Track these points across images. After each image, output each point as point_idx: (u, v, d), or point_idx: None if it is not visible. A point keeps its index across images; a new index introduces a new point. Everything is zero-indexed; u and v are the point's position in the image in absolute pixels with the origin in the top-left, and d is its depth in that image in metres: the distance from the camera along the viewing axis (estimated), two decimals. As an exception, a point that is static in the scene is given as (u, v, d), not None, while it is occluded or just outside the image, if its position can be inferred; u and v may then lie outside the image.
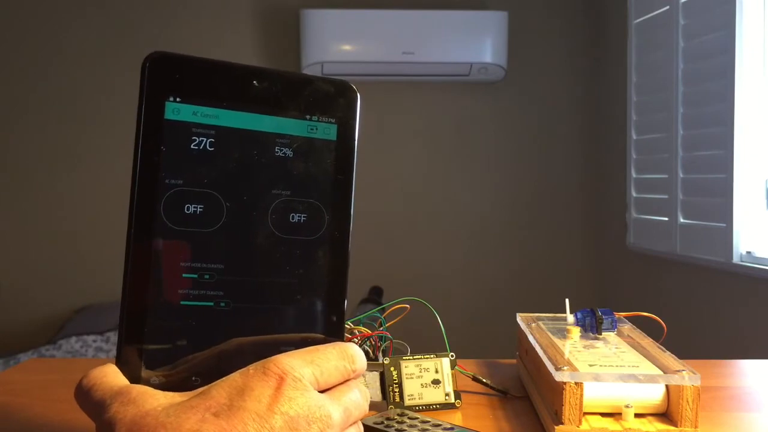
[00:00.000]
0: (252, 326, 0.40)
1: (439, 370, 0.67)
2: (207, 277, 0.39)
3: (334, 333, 0.42)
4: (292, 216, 0.41)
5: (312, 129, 0.42)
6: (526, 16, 2.54)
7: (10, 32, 2.51)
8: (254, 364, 0.37)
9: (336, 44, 2.39)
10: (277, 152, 0.41)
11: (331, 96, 0.42)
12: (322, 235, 0.42)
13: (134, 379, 0.37)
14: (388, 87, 2.56)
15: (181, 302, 0.39)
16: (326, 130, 0.42)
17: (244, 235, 0.40)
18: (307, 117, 0.41)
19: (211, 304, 0.39)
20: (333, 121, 0.42)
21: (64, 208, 2.52)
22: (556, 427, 0.57)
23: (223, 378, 0.37)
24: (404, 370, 0.67)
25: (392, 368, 0.66)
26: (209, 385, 0.36)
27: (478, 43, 2.41)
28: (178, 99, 0.39)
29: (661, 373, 0.58)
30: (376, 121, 2.56)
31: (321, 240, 0.42)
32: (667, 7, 1.99)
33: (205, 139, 0.39)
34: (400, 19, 2.39)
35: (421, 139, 2.58)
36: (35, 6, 2.50)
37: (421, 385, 0.66)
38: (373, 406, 0.67)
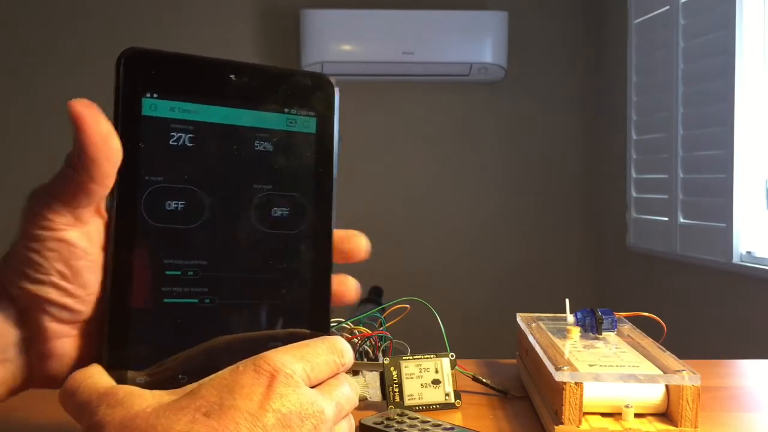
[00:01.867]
0: (237, 322, 0.40)
1: (439, 370, 0.67)
2: (191, 273, 0.39)
3: (321, 326, 0.42)
4: (275, 210, 0.41)
5: (291, 122, 0.41)
6: (526, 16, 2.54)
7: (11, 31, 2.51)
8: (244, 361, 0.36)
9: (336, 44, 2.39)
10: (257, 146, 0.40)
11: (309, 89, 0.42)
12: (305, 228, 0.41)
13: (120, 379, 0.37)
14: (388, 87, 2.56)
15: (165, 300, 0.38)
16: (305, 124, 0.42)
17: (227, 230, 0.40)
18: (286, 110, 0.41)
19: (196, 301, 0.39)
20: (312, 114, 0.42)
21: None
22: (556, 427, 0.57)
23: (213, 375, 0.36)
24: (404, 370, 0.67)
25: (392, 368, 0.66)
26: (199, 383, 0.36)
27: (478, 43, 2.40)
28: (155, 95, 0.38)
29: (661, 373, 0.58)
30: (376, 121, 2.56)
31: (304, 233, 0.41)
32: (667, 7, 1.98)
33: (183, 135, 0.39)
34: (400, 19, 2.38)
35: (421, 139, 2.58)
36: (33, 4, 2.50)
37: (421, 385, 0.66)
38: (373, 406, 0.67)
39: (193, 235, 0.39)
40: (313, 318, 0.42)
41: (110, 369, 0.37)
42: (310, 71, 0.43)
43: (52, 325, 0.37)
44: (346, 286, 0.43)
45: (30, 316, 0.37)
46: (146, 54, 0.38)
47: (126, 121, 0.38)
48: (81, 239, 0.36)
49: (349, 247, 0.42)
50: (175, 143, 0.39)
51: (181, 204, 0.39)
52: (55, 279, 0.36)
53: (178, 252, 0.39)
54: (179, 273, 0.39)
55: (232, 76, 0.40)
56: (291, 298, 0.41)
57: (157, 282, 0.38)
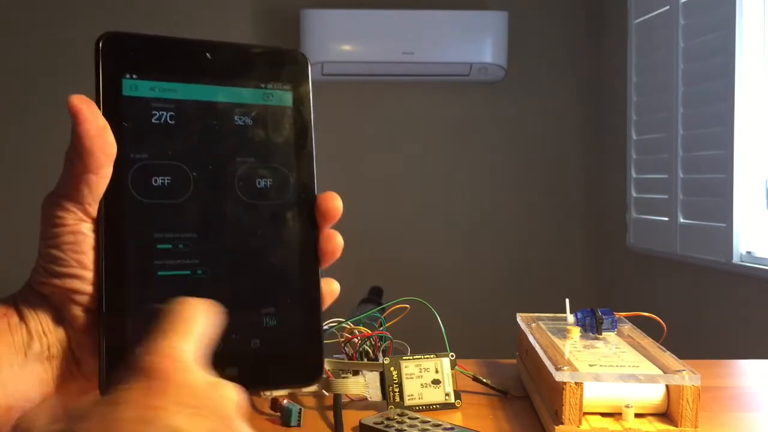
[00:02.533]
0: (230, 291, 0.41)
1: (439, 370, 0.67)
2: (181, 246, 0.40)
3: (311, 289, 0.43)
4: (258, 181, 0.42)
5: (268, 96, 0.43)
6: (526, 16, 2.54)
7: (10, 30, 2.51)
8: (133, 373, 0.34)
9: (336, 44, 2.39)
10: (237, 121, 0.42)
11: (283, 64, 0.44)
12: (289, 197, 0.43)
13: (119, 354, 0.37)
14: (388, 87, 2.56)
15: (159, 273, 0.39)
16: (281, 97, 0.43)
17: (213, 202, 0.41)
18: (263, 86, 0.43)
19: (188, 272, 0.40)
20: (287, 87, 0.43)
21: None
22: (556, 427, 0.57)
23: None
24: (404, 370, 0.67)
25: (392, 368, 0.66)
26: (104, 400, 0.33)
27: (478, 43, 2.40)
28: (134, 76, 0.39)
29: (661, 373, 0.58)
30: (376, 121, 2.56)
31: (288, 203, 0.43)
32: (667, 7, 1.99)
33: (165, 113, 0.40)
34: (400, 19, 2.38)
35: (420, 139, 2.58)
36: (32, 6, 2.50)
37: (421, 385, 0.66)
38: (373, 406, 0.67)
39: (181, 209, 0.40)
40: (303, 282, 0.43)
41: (108, 345, 0.38)
42: (283, 47, 0.44)
43: (82, 315, 0.39)
44: (334, 243, 0.44)
45: (64, 312, 0.39)
46: (123, 36, 0.40)
47: (108, 102, 0.39)
48: (92, 230, 0.38)
49: (326, 206, 0.43)
50: (158, 121, 0.40)
51: (168, 179, 0.40)
52: (76, 270, 0.38)
53: (167, 226, 0.40)
54: (170, 246, 0.40)
55: (208, 55, 0.41)
56: (280, 264, 0.42)
57: (149, 256, 0.39)
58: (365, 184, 2.54)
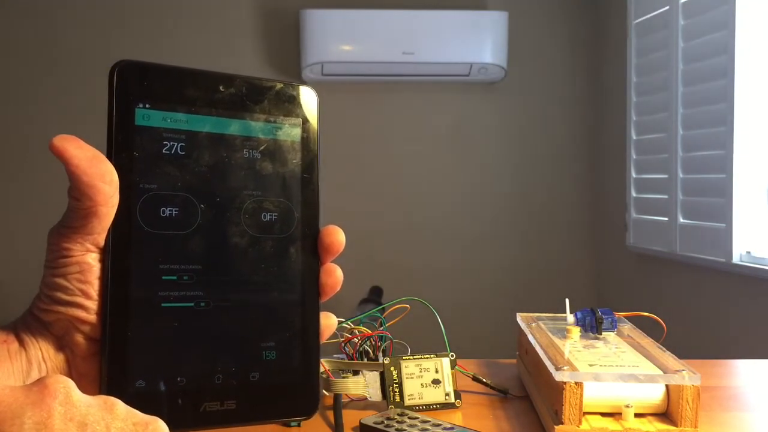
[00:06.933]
0: (232, 324, 0.41)
1: (439, 370, 0.67)
2: (186, 278, 0.40)
3: (311, 323, 0.43)
4: (264, 215, 0.43)
5: (277, 131, 0.43)
6: (526, 16, 2.54)
7: (10, 40, 2.51)
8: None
9: (336, 44, 2.39)
10: (246, 154, 0.42)
11: (292, 99, 0.44)
12: (293, 232, 0.44)
13: (121, 384, 0.38)
14: (388, 87, 2.56)
15: (162, 304, 0.39)
16: (290, 132, 0.44)
17: (219, 235, 0.41)
18: (272, 120, 0.43)
19: (192, 304, 0.40)
20: (296, 123, 0.44)
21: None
22: (556, 427, 0.57)
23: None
24: (404, 370, 0.67)
25: (392, 368, 0.67)
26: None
27: (478, 43, 2.41)
28: (147, 105, 0.40)
29: (661, 372, 0.58)
30: (376, 121, 2.56)
31: (292, 237, 0.43)
32: (667, 7, 1.99)
33: (176, 144, 0.40)
34: (400, 19, 2.39)
35: (420, 139, 2.58)
36: (33, 12, 2.50)
37: (421, 385, 0.66)
38: (373, 405, 0.67)
39: (188, 241, 0.40)
40: (303, 316, 0.43)
41: (110, 375, 0.38)
42: (293, 81, 0.45)
43: (84, 342, 0.38)
44: (335, 277, 0.45)
45: (66, 340, 0.39)
46: (138, 66, 0.40)
47: (120, 131, 0.39)
48: (98, 260, 0.38)
49: (328, 240, 0.44)
50: (168, 152, 0.40)
51: (175, 210, 0.40)
52: (80, 299, 0.38)
53: (173, 257, 0.40)
54: (175, 278, 0.40)
55: (221, 87, 0.42)
56: (282, 299, 0.43)
57: (154, 287, 0.39)
58: (365, 184, 2.54)
